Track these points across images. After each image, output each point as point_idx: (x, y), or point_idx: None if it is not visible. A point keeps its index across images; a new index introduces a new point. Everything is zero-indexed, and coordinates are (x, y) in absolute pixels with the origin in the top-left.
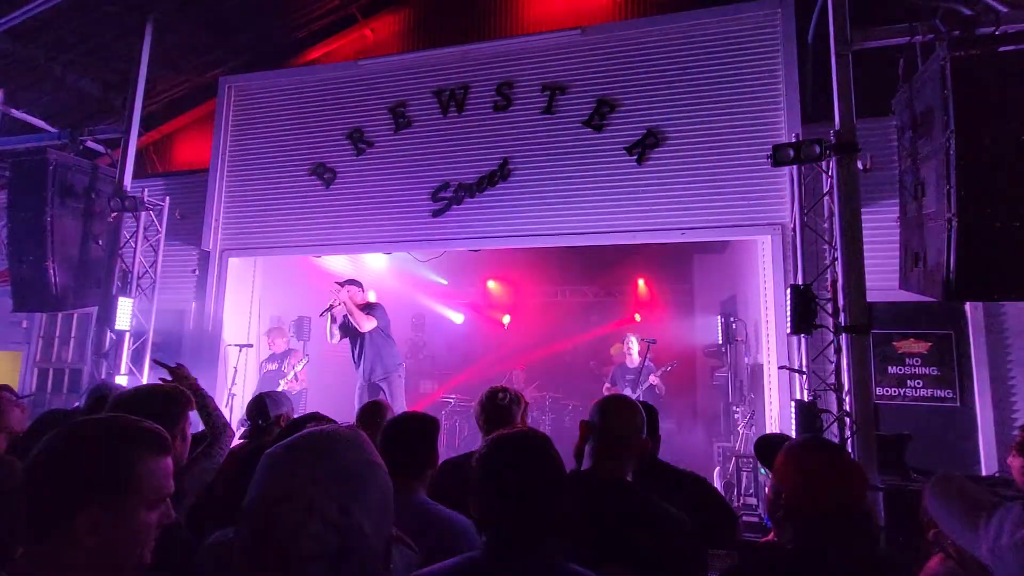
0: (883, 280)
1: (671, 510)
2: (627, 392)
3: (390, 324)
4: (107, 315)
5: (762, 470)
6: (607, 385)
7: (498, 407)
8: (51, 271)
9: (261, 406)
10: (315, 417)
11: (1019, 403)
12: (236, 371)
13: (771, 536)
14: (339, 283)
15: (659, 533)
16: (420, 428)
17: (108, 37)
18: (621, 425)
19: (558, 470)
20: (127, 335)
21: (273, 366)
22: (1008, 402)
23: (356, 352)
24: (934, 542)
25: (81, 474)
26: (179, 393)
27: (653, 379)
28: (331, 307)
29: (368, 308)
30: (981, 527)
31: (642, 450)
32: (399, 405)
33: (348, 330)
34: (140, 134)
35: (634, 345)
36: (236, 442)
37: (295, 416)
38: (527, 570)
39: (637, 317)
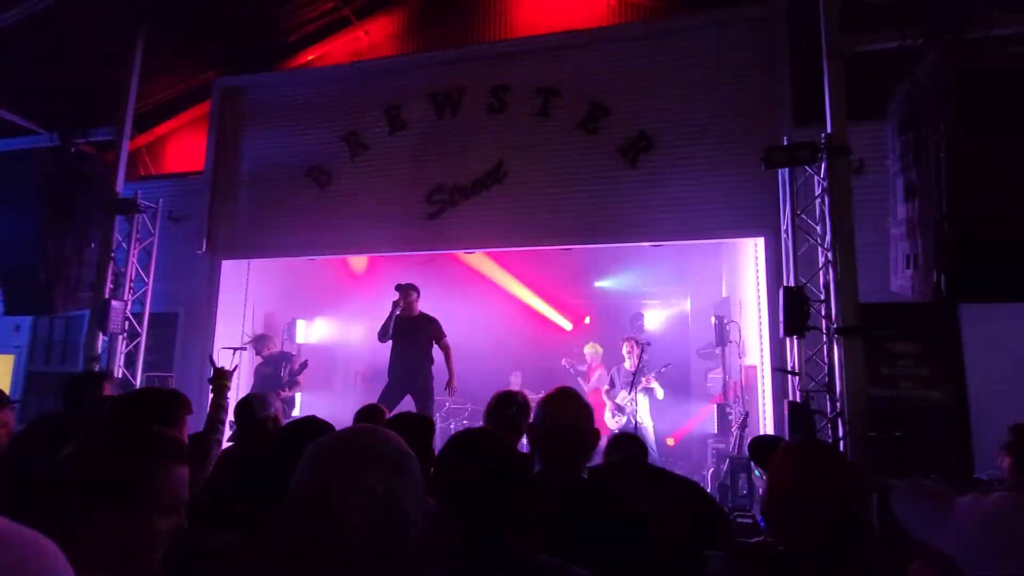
0: (876, 282)
1: (634, 504)
2: (623, 394)
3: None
4: (100, 318)
5: (756, 471)
6: (606, 387)
7: (504, 417)
8: (42, 274)
9: (249, 408)
10: (313, 420)
11: (1011, 403)
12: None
13: (763, 537)
14: (401, 285)
15: (622, 528)
16: (417, 429)
17: (101, 39)
18: (563, 420)
19: (506, 464)
20: (120, 338)
21: (269, 369)
22: (1000, 402)
23: (398, 356)
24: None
25: (99, 477)
26: (178, 397)
27: (650, 380)
28: (396, 308)
29: (426, 319)
30: (948, 519)
31: (591, 441)
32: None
33: (399, 332)
34: (133, 136)
35: (632, 348)
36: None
37: (282, 418)
38: (492, 560)
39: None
